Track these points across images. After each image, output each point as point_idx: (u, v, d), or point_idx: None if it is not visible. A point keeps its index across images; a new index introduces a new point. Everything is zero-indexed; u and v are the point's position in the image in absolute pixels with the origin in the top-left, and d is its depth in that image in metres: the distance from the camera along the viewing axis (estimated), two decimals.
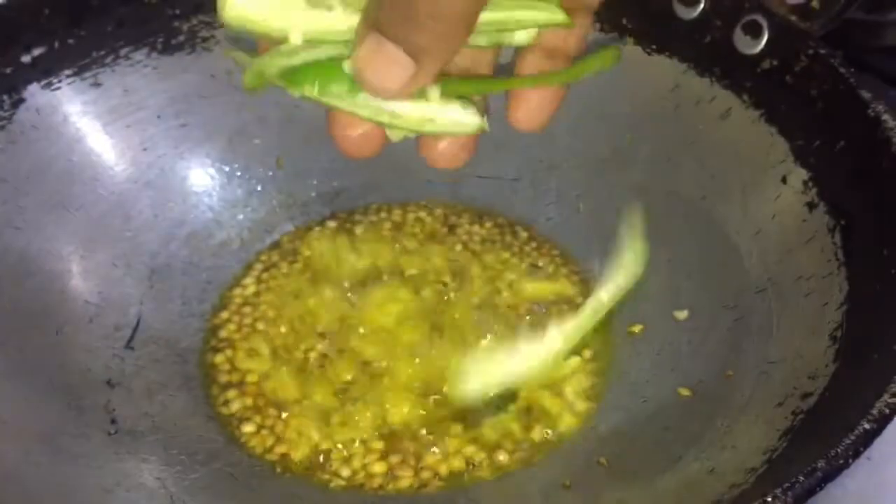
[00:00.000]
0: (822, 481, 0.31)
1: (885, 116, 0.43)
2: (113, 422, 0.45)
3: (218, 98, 0.55)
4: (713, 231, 0.49)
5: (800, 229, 0.45)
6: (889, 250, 0.40)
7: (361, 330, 0.49)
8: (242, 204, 0.56)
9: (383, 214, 0.57)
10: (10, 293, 0.46)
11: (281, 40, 0.31)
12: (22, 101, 0.49)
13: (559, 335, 0.46)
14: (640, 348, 0.49)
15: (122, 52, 0.52)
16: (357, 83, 0.31)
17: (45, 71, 0.50)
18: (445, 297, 0.51)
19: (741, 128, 0.49)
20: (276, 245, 0.55)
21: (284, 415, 0.47)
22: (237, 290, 0.53)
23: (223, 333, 0.51)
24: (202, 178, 0.55)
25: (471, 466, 0.45)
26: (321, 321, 0.50)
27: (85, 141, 0.52)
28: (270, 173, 0.56)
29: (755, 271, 0.46)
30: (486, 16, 0.30)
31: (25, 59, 0.49)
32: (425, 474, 0.44)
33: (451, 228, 0.56)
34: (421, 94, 0.32)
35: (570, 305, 0.51)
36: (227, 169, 0.56)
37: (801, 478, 0.31)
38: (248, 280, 0.53)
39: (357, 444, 0.45)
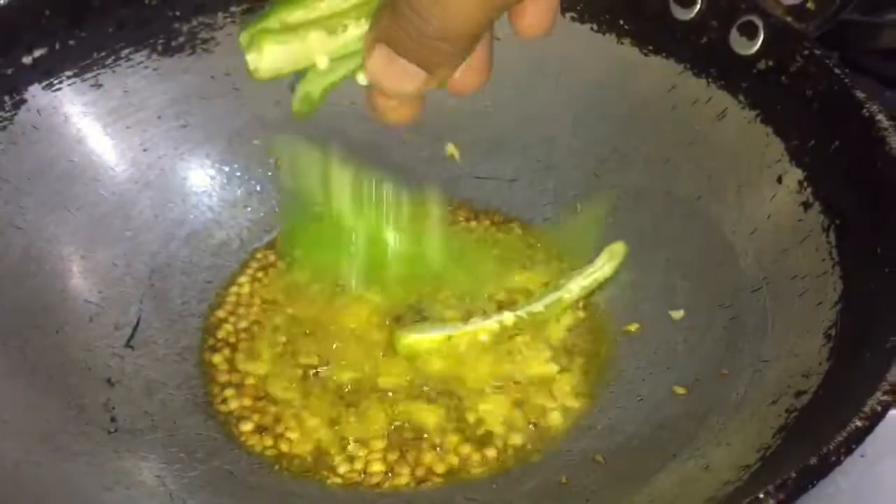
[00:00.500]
0: (815, 478, 0.31)
1: (880, 116, 0.43)
2: (113, 420, 0.45)
3: (218, 99, 0.56)
4: (709, 231, 0.49)
5: (795, 229, 0.45)
6: (883, 249, 0.40)
7: (353, 325, 0.50)
8: (242, 204, 0.56)
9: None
10: (11, 292, 0.46)
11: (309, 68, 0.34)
12: (23, 101, 0.50)
13: (510, 316, 0.50)
14: (636, 347, 0.49)
15: (123, 53, 0.53)
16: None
17: (46, 72, 0.50)
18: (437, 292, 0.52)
19: (737, 128, 0.50)
20: (272, 244, 0.55)
21: (283, 414, 0.47)
22: (233, 289, 0.53)
23: (220, 333, 0.51)
24: (202, 178, 0.55)
25: (468, 464, 0.45)
26: (316, 318, 0.51)
27: (86, 141, 0.52)
28: (270, 173, 0.57)
29: (750, 271, 0.47)
30: None
31: (26, 60, 0.50)
32: (423, 472, 0.45)
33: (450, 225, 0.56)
34: None
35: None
36: (226, 169, 0.56)
37: (794, 475, 0.31)
38: (244, 279, 0.54)
39: (354, 442, 0.46)
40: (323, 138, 0.55)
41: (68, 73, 0.51)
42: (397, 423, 0.46)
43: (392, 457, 0.45)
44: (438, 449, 0.45)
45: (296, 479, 0.45)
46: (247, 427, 0.46)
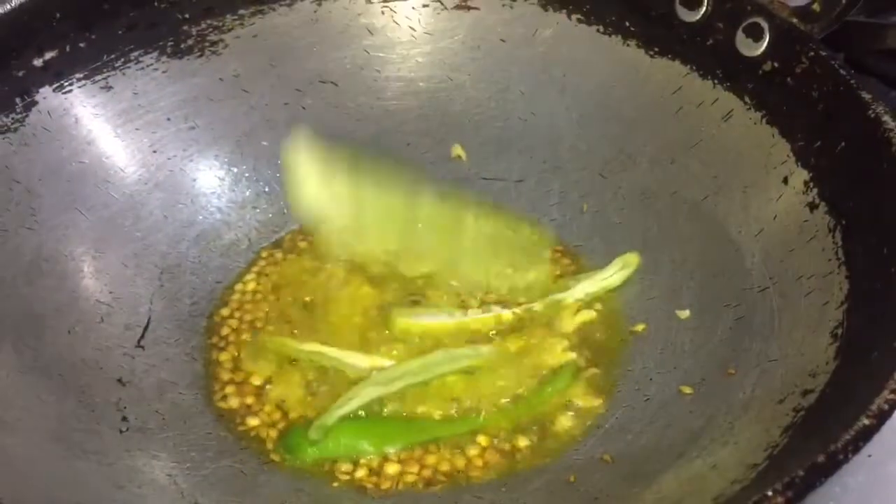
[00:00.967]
0: (822, 476, 0.31)
1: (886, 118, 0.43)
2: (124, 419, 0.45)
3: (226, 101, 0.56)
4: (715, 231, 0.50)
5: (801, 229, 0.46)
6: (889, 249, 0.41)
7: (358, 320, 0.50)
8: (251, 205, 0.56)
9: None
10: (23, 293, 0.47)
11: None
12: (34, 103, 0.50)
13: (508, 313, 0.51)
14: (643, 347, 0.49)
15: (133, 55, 0.53)
16: None
17: (57, 74, 0.51)
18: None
19: (743, 129, 0.50)
20: (279, 242, 0.56)
21: (291, 414, 0.47)
22: (238, 286, 0.53)
23: (224, 331, 0.51)
24: (211, 179, 0.56)
25: (477, 464, 0.45)
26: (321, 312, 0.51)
27: (96, 143, 0.52)
28: (278, 174, 0.57)
29: (757, 271, 0.47)
30: None
31: (37, 62, 0.50)
32: (430, 472, 0.45)
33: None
34: None
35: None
36: (235, 170, 0.56)
37: (801, 473, 0.31)
38: (249, 276, 0.54)
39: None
40: (330, 139, 0.56)
41: (79, 75, 0.52)
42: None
43: (401, 456, 0.45)
44: (448, 450, 0.46)
45: (305, 478, 0.45)
46: (254, 422, 0.47)
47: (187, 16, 0.54)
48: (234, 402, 0.48)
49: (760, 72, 0.49)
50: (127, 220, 0.52)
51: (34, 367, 0.45)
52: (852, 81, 0.45)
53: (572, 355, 0.49)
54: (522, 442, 0.46)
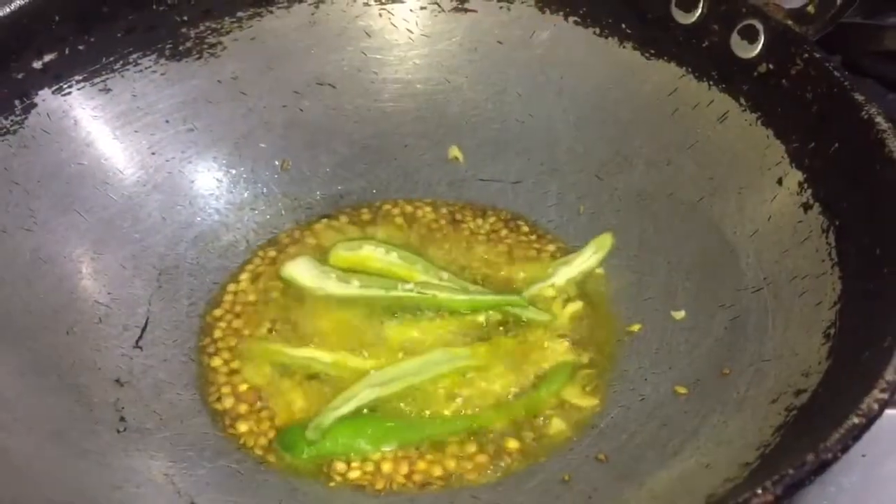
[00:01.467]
0: (812, 474, 0.31)
1: (879, 119, 0.43)
2: (122, 419, 0.45)
3: (225, 103, 0.56)
4: (710, 232, 0.50)
5: (795, 230, 0.46)
6: (882, 250, 0.41)
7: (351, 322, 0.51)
8: (249, 206, 0.57)
9: (395, 210, 0.58)
10: (21, 294, 0.47)
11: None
12: (33, 105, 0.50)
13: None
14: (638, 347, 0.49)
15: (131, 57, 0.53)
16: None
17: (56, 76, 0.51)
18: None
19: (738, 130, 0.50)
20: (274, 241, 0.56)
21: (282, 413, 0.47)
22: (231, 286, 0.54)
23: (217, 333, 0.51)
24: (209, 181, 0.56)
25: (473, 463, 0.45)
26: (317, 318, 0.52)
27: (95, 145, 0.53)
28: (276, 176, 0.57)
29: (751, 271, 0.47)
30: None
31: (37, 64, 0.50)
32: (426, 471, 0.45)
33: (457, 223, 0.57)
34: None
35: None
36: (233, 172, 0.57)
37: (791, 470, 0.31)
38: (244, 276, 0.54)
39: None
40: (327, 141, 0.57)
41: (78, 77, 0.52)
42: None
43: (397, 455, 0.46)
44: (442, 449, 0.46)
45: (301, 479, 0.45)
46: (245, 426, 0.47)
47: (185, 18, 0.55)
48: (236, 404, 0.48)
49: (755, 73, 0.50)
50: (125, 222, 0.53)
51: (32, 368, 0.45)
52: (846, 83, 0.45)
53: (568, 355, 0.49)
54: (518, 441, 0.46)
